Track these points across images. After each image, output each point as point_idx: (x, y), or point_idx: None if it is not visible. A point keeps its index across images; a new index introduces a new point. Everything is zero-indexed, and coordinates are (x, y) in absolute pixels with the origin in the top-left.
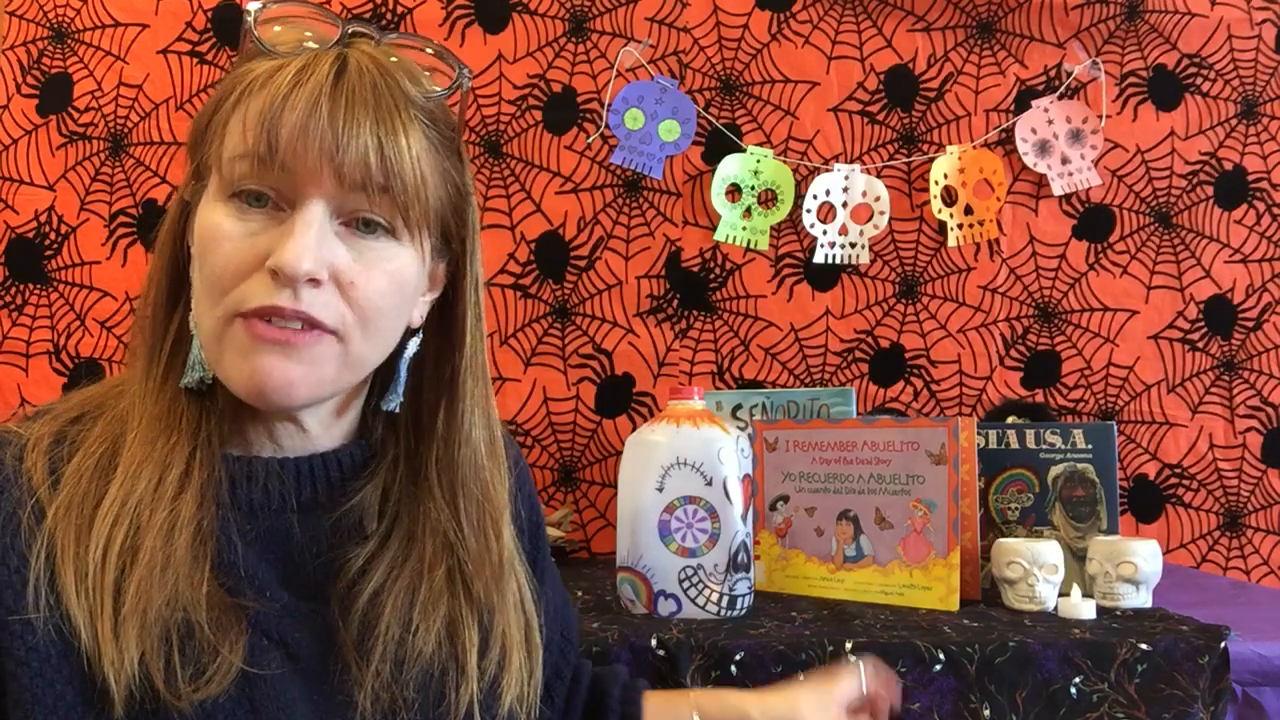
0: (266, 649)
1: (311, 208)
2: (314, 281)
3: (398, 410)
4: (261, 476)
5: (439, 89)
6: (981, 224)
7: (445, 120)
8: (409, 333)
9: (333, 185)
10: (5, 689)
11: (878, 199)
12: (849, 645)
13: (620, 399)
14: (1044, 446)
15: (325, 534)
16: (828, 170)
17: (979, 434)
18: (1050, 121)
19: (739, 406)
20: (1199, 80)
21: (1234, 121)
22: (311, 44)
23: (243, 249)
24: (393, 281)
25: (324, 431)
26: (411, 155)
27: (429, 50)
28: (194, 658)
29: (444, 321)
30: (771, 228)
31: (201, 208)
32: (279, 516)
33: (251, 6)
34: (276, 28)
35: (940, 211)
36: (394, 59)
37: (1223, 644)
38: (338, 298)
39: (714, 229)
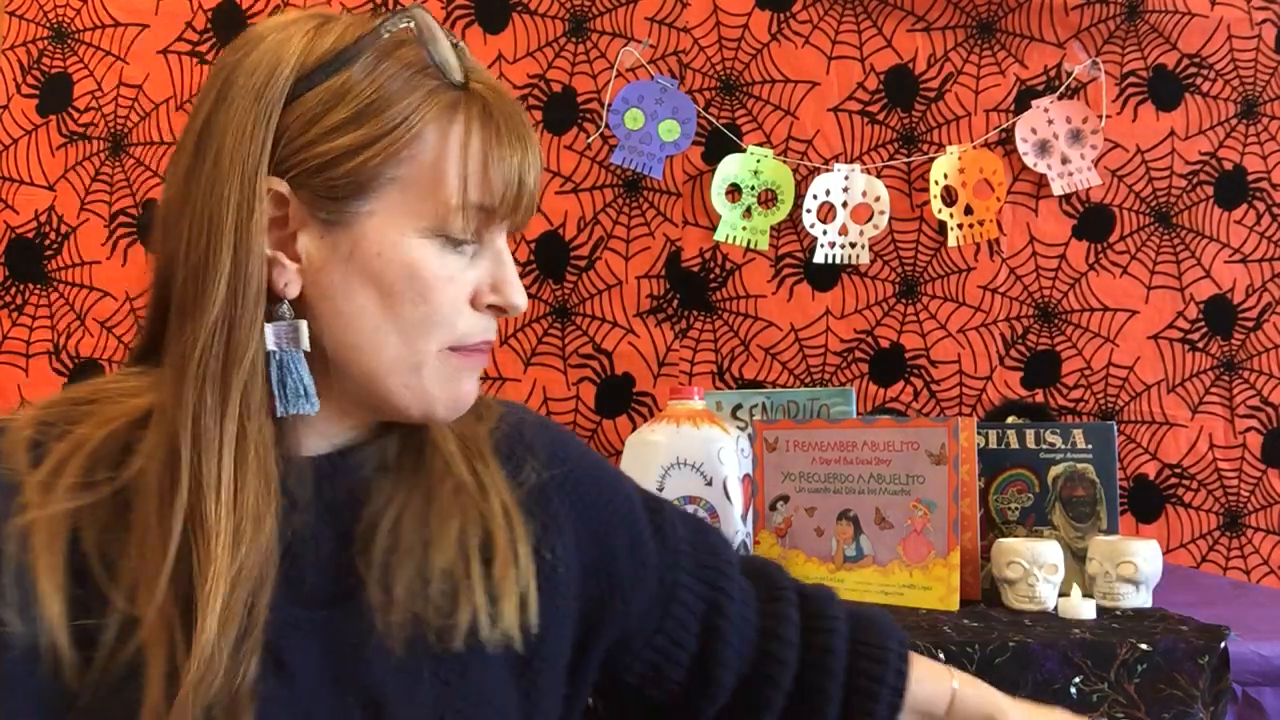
0: (261, 664)
1: (505, 242)
2: None
3: None
4: (294, 476)
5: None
6: (981, 224)
7: None
8: None
9: (518, 218)
10: None
11: (878, 199)
12: None
13: (620, 399)
14: (1044, 446)
15: (337, 530)
16: (828, 170)
17: (979, 434)
18: (1050, 121)
19: (739, 406)
20: (1199, 80)
21: (1234, 121)
22: (450, 57)
23: (459, 288)
24: None
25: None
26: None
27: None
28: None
29: None
30: (771, 228)
31: (403, 242)
32: (301, 516)
33: (421, 15)
34: (450, 46)
35: (940, 211)
36: (489, 76)
37: (1223, 644)
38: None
39: (714, 229)
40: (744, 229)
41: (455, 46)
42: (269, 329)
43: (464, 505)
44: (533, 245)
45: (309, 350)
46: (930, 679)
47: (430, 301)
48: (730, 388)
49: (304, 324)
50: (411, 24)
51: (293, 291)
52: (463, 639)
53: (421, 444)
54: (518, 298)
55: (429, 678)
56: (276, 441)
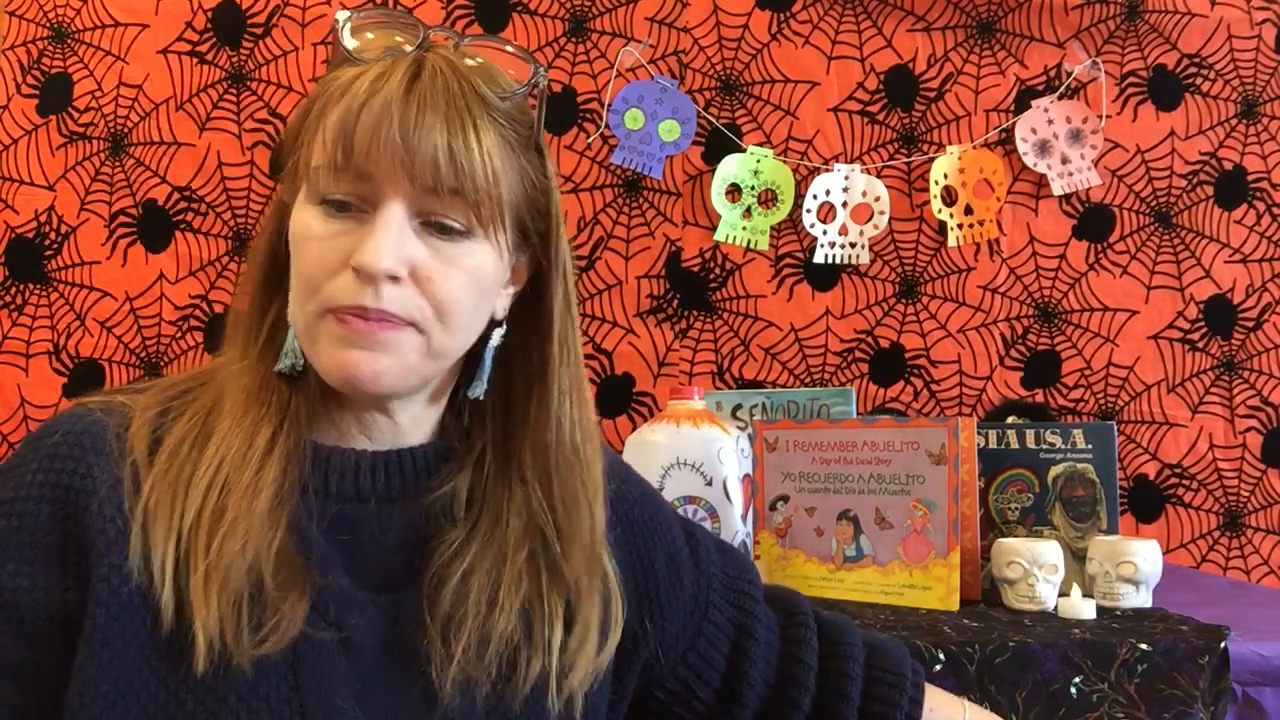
0: (320, 628)
1: (390, 209)
2: (393, 279)
3: (483, 398)
4: (340, 464)
5: (515, 87)
6: (981, 224)
7: (522, 118)
8: (492, 324)
9: (408, 187)
10: (80, 627)
11: (878, 199)
12: None
13: (620, 399)
14: (1044, 446)
15: (402, 527)
16: (828, 170)
17: (979, 434)
18: (1050, 121)
19: (739, 406)
20: (1199, 80)
21: (1234, 121)
22: (398, 49)
23: (330, 250)
24: (470, 277)
25: (414, 425)
26: (482, 154)
27: (508, 50)
28: (258, 614)
29: (531, 312)
30: (771, 228)
31: (295, 210)
32: (354, 505)
33: (340, 15)
34: (369, 34)
35: (940, 211)
36: (471, 61)
37: (1223, 644)
38: (416, 293)
39: (714, 229)
40: (744, 229)
41: (409, 36)
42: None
43: (537, 576)
44: None
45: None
46: (942, 708)
47: (301, 263)
48: (730, 388)
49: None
50: (337, 24)
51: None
52: (521, 702)
53: (501, 495)
54: (363, 256)
55: (490, 698)
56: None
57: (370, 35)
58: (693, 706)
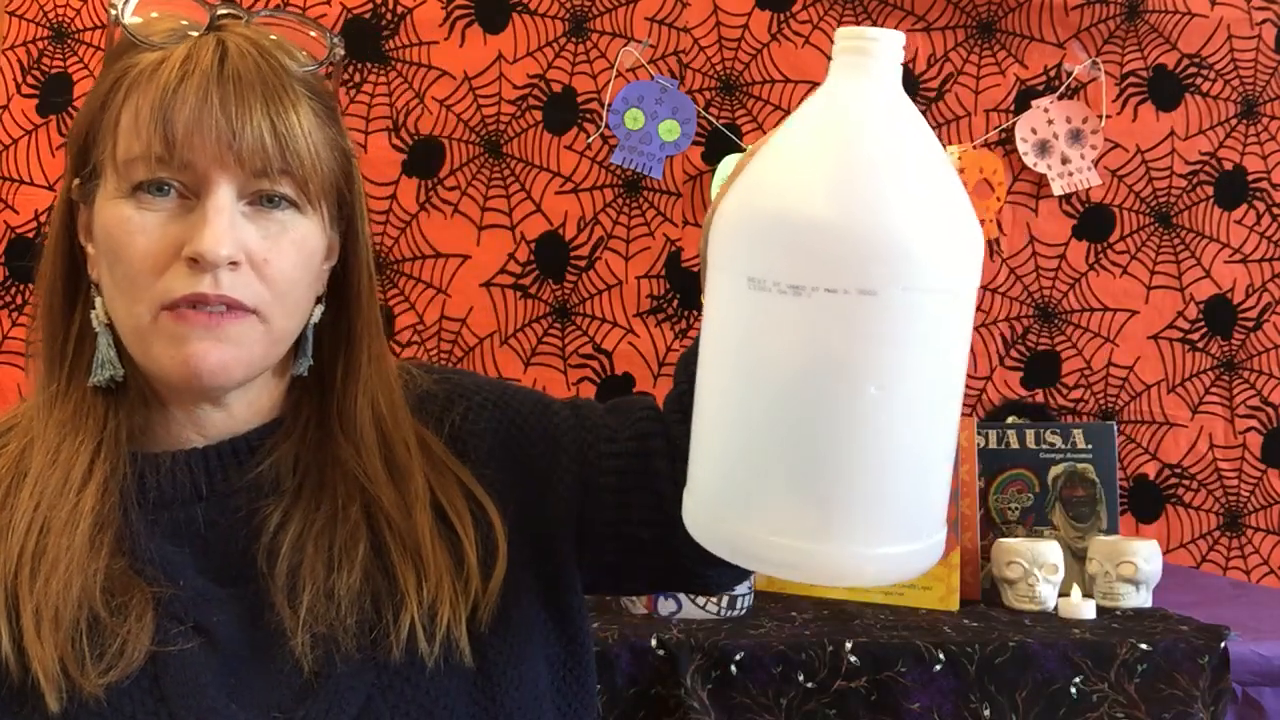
0: (178, 633)
1: (219, 193)
2: (233, 264)
3: (305, 374)
4: (168, 469)
5: (315, 62)
6: (981, 224)
7: (324, 90)
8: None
9: (235, 170)
10: None
11: None
12: (849, 645)
13: None
14: (1044, 446)
15: (235, 514)
16: None
17: (979, 434)
18: (1050, 121)
19: None
20: (1199, 80)
21: (1234, 121)
22: (185, 30)
23: (157, 242)
24: (300, 253)
25: (248, 409)
26: (304, 131)
27: (298, 22)
28: (99, 644)
29: (339, 286)
30: None
31: (101, 207)
32: (189, 507)
33: (111, 8)
34: (154, 14)
35: None
36: (271, 38)
37: (1223, 644)
38: (254, 278)
39: None
40: None
41: (195, 16)
42: (94, 312)
43: (378, 524)
44: (533, 245)
45: (108, 323)
46: None
47: (123, 260)
48: None
49: (99, 301)
50: (113, 11)
51: (96, 276)
52: (401, 648)
53: (324, 460)
54: (202, 244)
55: (355, 655)
56: (126, 433)
57: (154, 15)
58: (644, 547)
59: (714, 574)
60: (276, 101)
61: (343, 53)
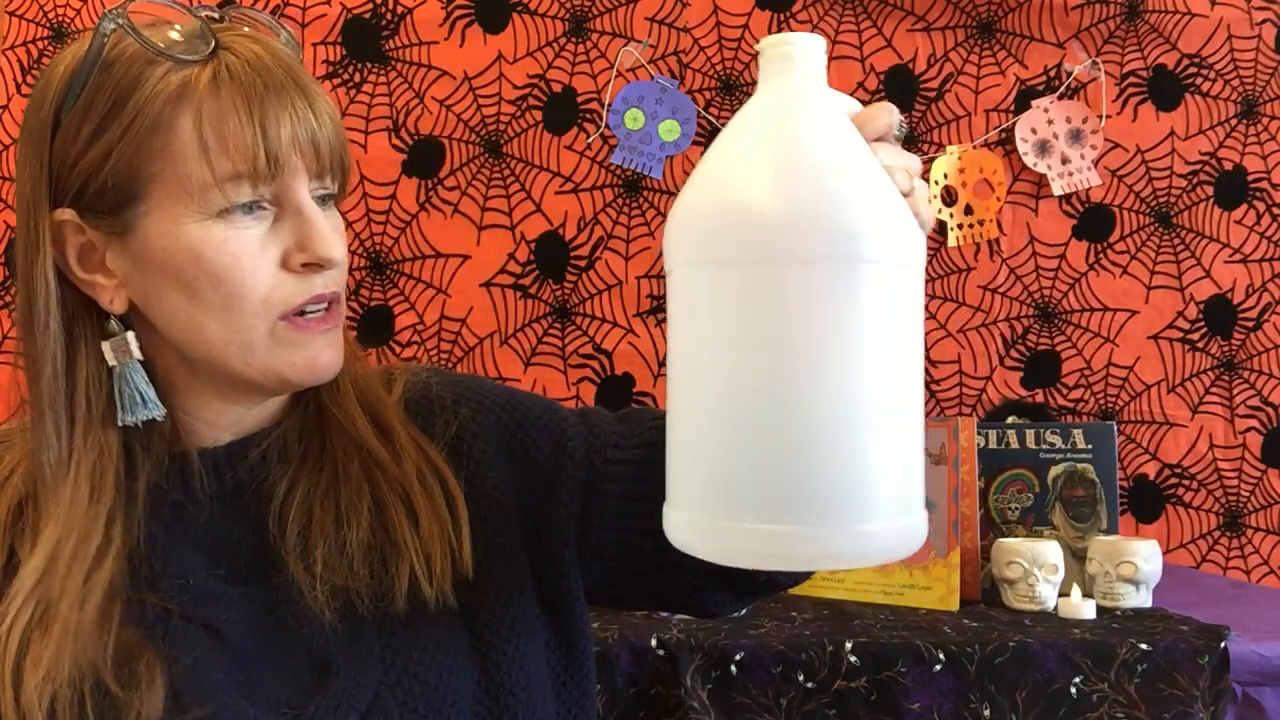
0: (189, 634)
1: (305, 196)
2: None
3: None
4: (178, 470)
5: (295, 53)
6: (981, 224)
7: None
8: None
9: (308, 173)
10: None
11: None
12: (849, 645)
13: (620, 399)
14: (1044, 446)
15: (252, 512)
16: None
17: (979, 434)
18: (1050, 121)
19: None
20: (1199, 80)
21: (1234, 121)
22: (188, 38)
23: (259, 256)
24: (345, 244)
25: (277, 401)
26: (338, 126)
27: (263, 18)
28: (107, 714)
29: None
30: None
31: (169, 233)
32: (201, 507)
33: (116, 19)
34: (165, 28)
35: (940, 211)
36: (258, 38)
37: (1223, 644)
38: (337, 271)
39: None
40: None
41: (187, 24)
42: (105, 346)
43: (375, 480)
44: (533, 245)
45: (143, 359)
46: None
47: (227, 281)
48: None
49: (130, 335)
50: (121, 22)
51: (119, 306)
52: (404, 600)
53: (325, 426)
54: (325, 250)
55: (372, 638)
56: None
57: (169, 31)
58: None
59: (711, 592)
60: (321, 100)
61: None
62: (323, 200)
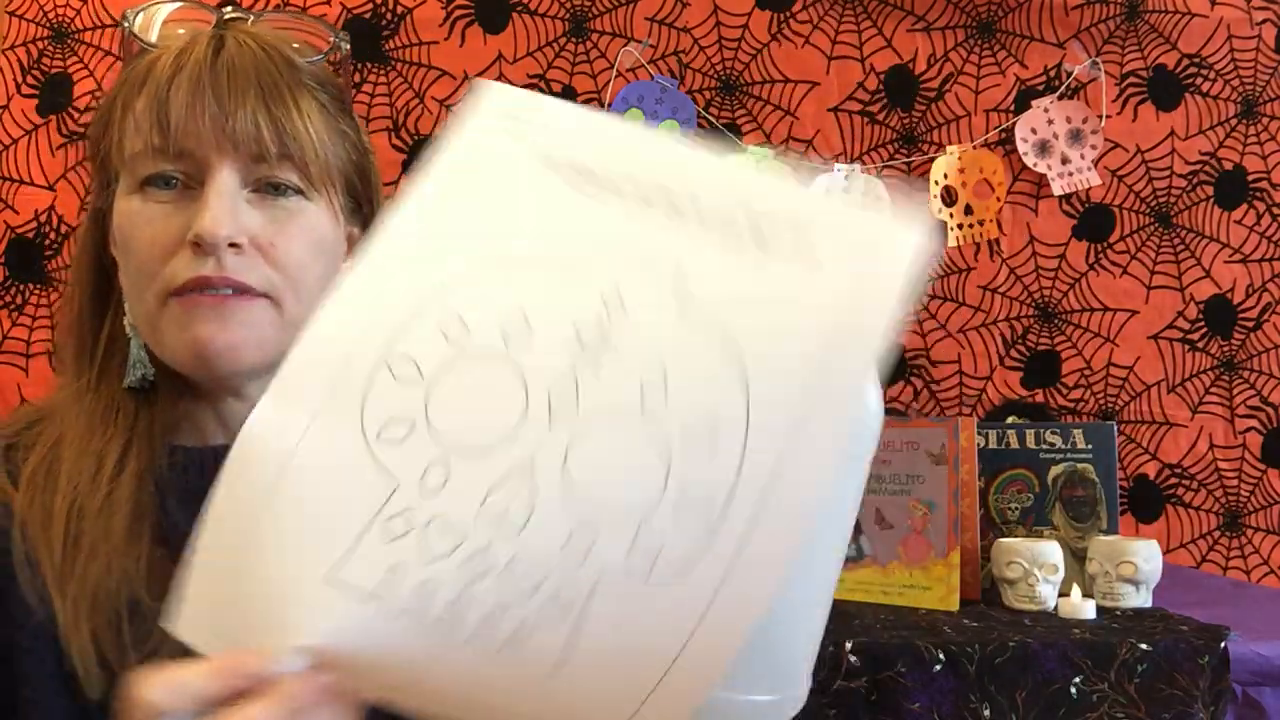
0: None
1: (219, 178)
2: (234, 246)
3: None
4: (199, 464)
5: (319, 51)
6: (981, 224)
7: (333, 82)
8: None
9: (234, 155)
10: (13, 665)
11: (878, 199)
12: (849, 645)
13: None
14: (1044, 446)
15: None
16: (828, 170)
17: (979, 434)
18: (1050, 121)
19: None
20: (1199, 80)
21: (1234, 121)
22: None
23: (162, 230)
24: (309, 238)
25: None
26: (302, 116)
27: (305, 20)
28: (143, 631)
29: None
30: None
31: (117, 205)
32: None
33: (129, 11)
34: (163, 23)
35: (940, 211)
36: (273, 33)
37: (1223, 644)
38: (261, 262)
39: None
40: None
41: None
42: (125, 319)
43: None
44: None
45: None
46: None
47: (132, 251)
48: None
49: (129, 308)
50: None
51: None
52: None
53: None
54: (205, 223)
55: None
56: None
57: (164, 23)
58: None
59: None
60: (272, 87)
61: (348, 47)
62: (272, 188)
